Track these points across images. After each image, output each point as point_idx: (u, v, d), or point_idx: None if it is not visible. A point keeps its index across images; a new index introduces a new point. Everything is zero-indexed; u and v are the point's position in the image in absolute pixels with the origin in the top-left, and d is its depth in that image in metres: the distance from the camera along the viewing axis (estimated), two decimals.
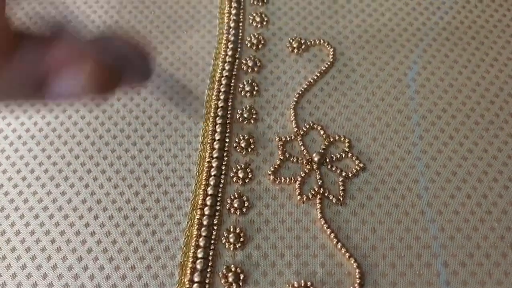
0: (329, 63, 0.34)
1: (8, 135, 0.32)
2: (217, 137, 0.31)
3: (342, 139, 0.31)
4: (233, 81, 0.33)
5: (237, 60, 0.34)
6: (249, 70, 0.34)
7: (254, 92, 0.33)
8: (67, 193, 0.29)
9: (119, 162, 0.30)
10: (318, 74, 0.33)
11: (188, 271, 0.27)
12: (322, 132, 0.31)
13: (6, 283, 0.27)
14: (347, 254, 0.27)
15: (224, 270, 0.27)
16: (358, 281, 0.26)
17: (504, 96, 0.32)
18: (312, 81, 0.33)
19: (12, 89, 0.21)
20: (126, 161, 0.30)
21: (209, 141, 0.31)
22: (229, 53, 0.34)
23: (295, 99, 0.32)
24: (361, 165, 0.30)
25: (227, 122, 0.31)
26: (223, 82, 0.33)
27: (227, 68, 0.34)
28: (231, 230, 0.28)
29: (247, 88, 0.33)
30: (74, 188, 0.29)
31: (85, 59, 0.20)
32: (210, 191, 0.29)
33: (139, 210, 0.29)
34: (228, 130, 0.31)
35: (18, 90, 0.21)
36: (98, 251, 0.27)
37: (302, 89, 0.33)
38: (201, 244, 0.27)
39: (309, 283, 0.26)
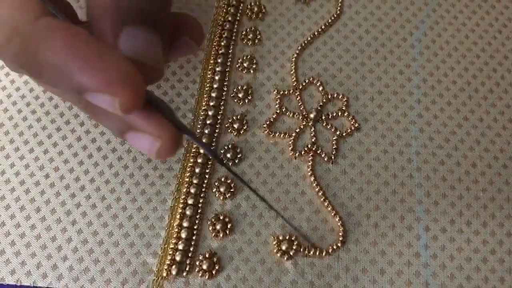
0: (335, 16, 0.33)
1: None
2: (215, 85, 0.31)
3: (340, 97, 0.31)
4: (235, 26, 0.33)
5: (242, 5, 0.33)
6: (253, 16, 0.33)
7: (256, 41, 0.32)
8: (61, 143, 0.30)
9: None
10: (323, 27, 0.32)
11: (178, 216, 0.27)
12: (321, 88, 0.31)
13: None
14: (332, 211, 0.28)
15: (212, 218, 0.27)
16: (340, 238, 0.27)
17: (508, 65, 0.31)
18: (316, 33, 0.32)
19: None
20: None
21: (206, 89, 0.30)
22: None
23: (297, 52, 0.32)
24: (356, 125, 0.30)
25: (226, 70, 0.31)
26: (226, 27, 0.32)
27: (230, 12, 0.33)
28: (222, 180, 0.28)
29: (250, 36, 0.32)
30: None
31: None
32: (204, 139, 0.29)
33: (132, 152, 0.29)
34: (227, 79, 0.31)
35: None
36: (91, 190, 0.28)
37: (305, 41, 0.32)
38: (192, 191, 0.28)
39: (293, 237, 0.27)
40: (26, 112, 0.30)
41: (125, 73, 0.19)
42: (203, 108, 0.30)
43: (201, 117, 0.30)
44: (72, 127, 0.30)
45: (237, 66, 0.31)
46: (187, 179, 0.28)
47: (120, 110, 0.19)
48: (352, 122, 0.30)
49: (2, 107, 0.30)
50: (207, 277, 0.26)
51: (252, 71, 0.31)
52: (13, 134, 0.30)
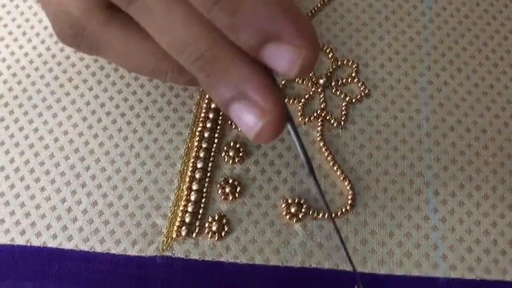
0: None
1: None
2: None
3: (349, 63, 0.30)
4: None
5: None
6: None
7: None
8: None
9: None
10: None
11: (187, 179, 0.27)
12: (330, 55, 0.31)
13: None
14: (342, 175, 0.28)
15: (222, 182, 0.27)
16: (349, 202, 0.27)
17: None
18: (326, 0, 0.32)
19: None
20: None
21: None
22: None
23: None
24: (366, 91, 0.30)
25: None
26: None
27: None
28: (231, 144, 0.28)
29: None
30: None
31: None
32: (213, 104, 0.29)
33: (141, 117, 0.29)
34: None
35: None
36: (101, 154, 0.28)
37: (315, 8, 0.32)
38: (201, 155, 0.28)
39: (302, 200, 0.27)
40: (35, 77, 0.30)
41: (312, 30, 0.18)
42: None
43: None
44: (81, 91, 0.30)
45: None
46: (196, 144, 0.28)
47: (298, 68, 0.18)
48: (362, 89, 0.30)
49: (10, 73, 0.30)
50: (216, 238, 0.26)
51: None
52: (21, 99, 0.30)
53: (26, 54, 0.31)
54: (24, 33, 0.32)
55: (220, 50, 0.19)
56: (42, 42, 0.31)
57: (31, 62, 0.31)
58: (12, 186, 0.27)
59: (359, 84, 0.30)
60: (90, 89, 0.30)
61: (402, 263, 0.26)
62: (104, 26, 0.23)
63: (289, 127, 0.21)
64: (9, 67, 0.30)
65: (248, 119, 0.20)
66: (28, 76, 0.30)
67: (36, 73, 0.30)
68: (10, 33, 0.32)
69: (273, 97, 0.19)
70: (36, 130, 0.29)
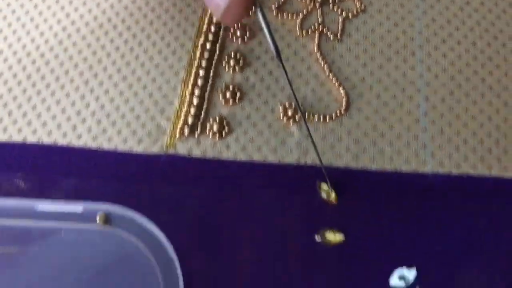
0: None
1: None
2: None
3: None
4: None
5: None
6: None
7: None
8: None
9: None
10: None
11: (190, 86, 0.29)
12: None
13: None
14: (337, 83, 0.29)
15: (222, 87, 0.29)
16: (344, 106, 0.28)
17: None
18: None
19: None
20: None
21: None
22: None
23: None
24: (362, 7, 0.31)
25: None
26: None
27: None
28: (232, 55, 0.30)
29: None
30: None
31: None
32: (215, 19, 0.30)
33: (146, 31, 0.30)
34: None
35: None
36: (109, 63, 0.30)
37: None
38: (203, 64, 0.29)
39: (300, 105, 0.28)
40: None
41: None
42: None
43: None
44: (89, 7, 0.31)
45: None
46: (198, 54, 0.30)
47: None
48: (358, 5, 0.31)
49: None
50: (217, 137, 0.28)
51: None
52: None
53: None
54: None
55: None
56: None
57: None
58: (24, 91, 0.29)
59: (355, 1, 0.31)
60: (98, 5, 0.31)
61: (393, 160, 0.27)
62: None
63: (258, 14, 0.23)
64: None
65: None
66: None
67: None
68: None
69: None
70: (42, 34, 0.30)
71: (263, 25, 0.24)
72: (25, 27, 0.31)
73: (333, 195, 0.26)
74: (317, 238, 0.25)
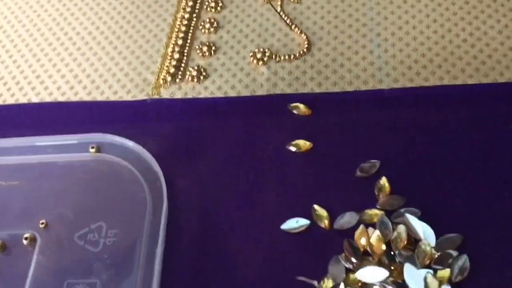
0: None
1: None
2: None
3: None
4: None
5: None
6: None
7: None
8: None
9: None
10: None
11: (171, 46, 0.33)
12: None
13: None
14: (298, 31, 0.33)
15: (199, 44, 0.33)
16: (306, 47, 0.32)
17: None
18: None
19: None
20: None
21: None
22: None
23: None
24: None
25: None
26: None
27: None
28: (207, 21, 0.34)
29: None
30: None
31: None
32: None
33: (129, 8, 0.36)
34: None
35: None
36: (100, 36, 0.34)
37: None
38: (182, 29, 0.34)
39: (266, 50, 0.32)
40: None
41: None
42: None
43: None
44: None
45: None
46: (178, 23, 0.34)
47: None
48: None
49: None
50: (196, 81, 0.31)
51: None
52: None
53: None
54: None
55: None
56: None
57: None
58: (30, 65, 0.34)
59: None
60: None
61: (352, 82, 0.30)
62: None
63: None
64: None
65: None
66: None
67: None
68: None
69: None
70: (46, 10, 0.35)
71: None
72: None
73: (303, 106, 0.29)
74: (290, 147, 0.28)
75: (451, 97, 0.29)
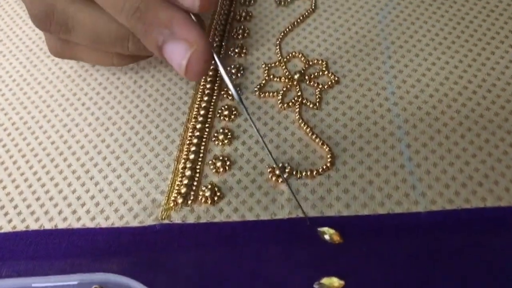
0: (310, 10, 0.39)
1: None
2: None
3: (320, 62, 0.35)
4: (227, 27, 0.39)
5: (232, 13, 0.40)
6: (242, 19, 0.39)
7: (245, 34, 0.38)
8: None
9: None
10: (301, 18, 0.38)
11: (182, 161, 0.31)
12: (302, 58, 0.35)
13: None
14: (320, 142, 0.30)
15: (213, 159, 0.31)
16: (329, 161, 0.29)
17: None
18: (295, 23, 0.38)
19: None
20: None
21: None
22: (224, 7, 0.40)
23: (280, 37, 0.37)
24: (336, 78, 0.34)
25: (220, 56, 0.36)
26: (218, 28, 0.38)
27: (222, 18, 0.39)
28: (220, 131, 0.32)
29: (239, 32, 0.38)
30: None
31: None
32: (203, 104, 0.33)
33: (138, 117, 0.33)
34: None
35: None
36: (108, 153, 0.32)
37: (287, 30, 0.38)
38: (194, 141, 0.31)
39: (286, 164, 0.30)
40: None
41: None
42: (201, 83, 0.35)
43: (200, 88, 0.34)
44: (90, 97, 0.35)
45: (229, 53, 0.37)
46: (189, 135, 0.32)
47: (198, 3, 0.25)
48: (331, 77, 0.34)
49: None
50: (209, 203, 0.29)
51: (242, 55, 0.36)
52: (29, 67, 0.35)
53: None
54: None
55: (150, 2, 0.25)
56: None
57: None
58: (26, 179, 0.31)
59: (329, 75, 0.34)
60: (99, 108, 0.35)
61: (384, 203, 0.27)
62: (70, 2, 0.29)
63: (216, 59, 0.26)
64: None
65: (178, 54, 0.25)
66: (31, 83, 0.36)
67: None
68: None
69: (196, 31, 0.25)
70: (45, 131, 0.33)
71: (221, 71, 0.27)
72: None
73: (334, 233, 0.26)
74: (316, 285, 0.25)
75: (498, 220, 0.26)
